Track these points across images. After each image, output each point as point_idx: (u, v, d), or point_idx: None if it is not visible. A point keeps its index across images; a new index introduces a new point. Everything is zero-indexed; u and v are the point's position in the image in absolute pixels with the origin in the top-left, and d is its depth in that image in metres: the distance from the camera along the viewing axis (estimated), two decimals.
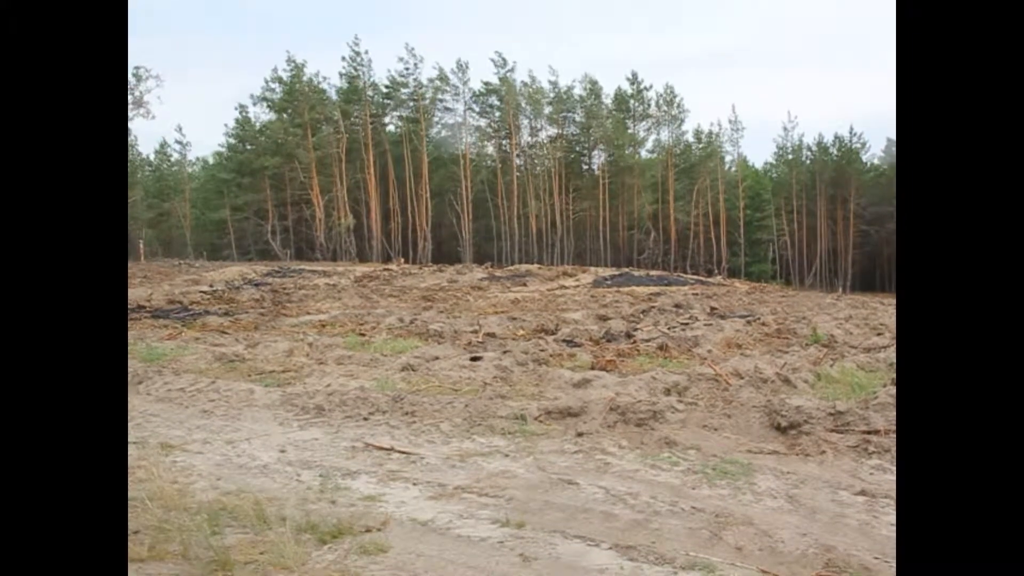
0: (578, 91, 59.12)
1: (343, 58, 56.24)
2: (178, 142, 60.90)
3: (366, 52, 54.74)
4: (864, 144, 61.51)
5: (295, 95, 51.61)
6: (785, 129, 64.92)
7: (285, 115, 52.13)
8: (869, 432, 5.02)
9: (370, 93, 55.02)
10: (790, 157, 62.88)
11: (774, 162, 66.45)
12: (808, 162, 61.98)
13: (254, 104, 53.14)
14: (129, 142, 57.34)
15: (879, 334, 11.50)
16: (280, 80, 52.49)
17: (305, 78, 52.60)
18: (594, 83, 58.46)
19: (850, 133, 61.35)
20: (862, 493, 4.04)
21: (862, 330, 12.37)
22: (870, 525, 3.56)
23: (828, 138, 61.70)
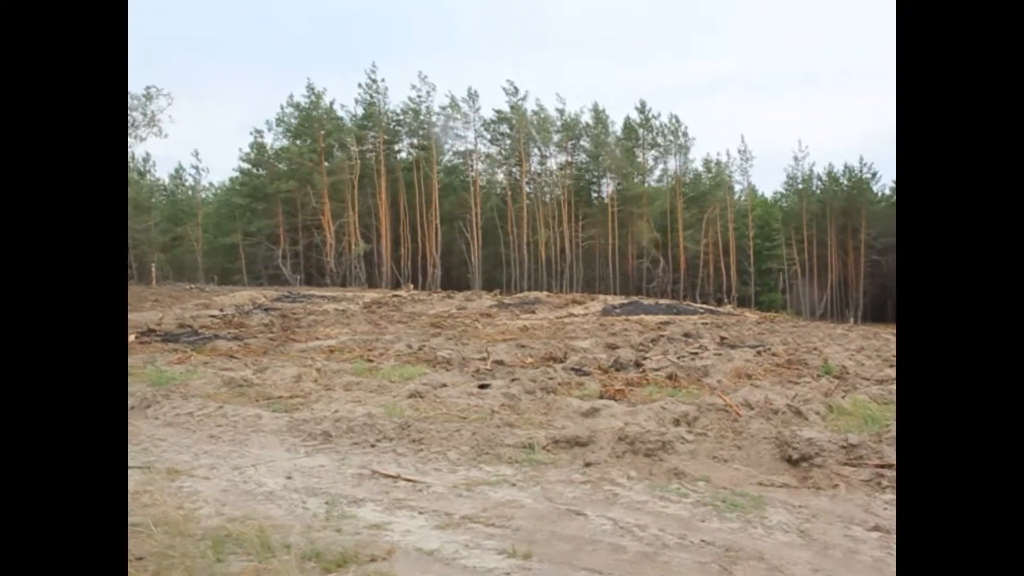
0: (586, 119, 59.67)
1: (360, 85, 57.21)
2: (194, 167, 61.81)
3: (383, 80, 55.59)
4: (875, 174, 61.60)
5: (312, 121, 52.30)
6: (795, 159, 65.19)
7: (299, 141, 52.78)
8: (883, 466, 4.94)
9: (385, 120, 55.69)
10: (800, 187, 62.94)
11: (784, 191, 66.56)
12: (818, 191, 62.01)
13: (269, 129, 53.95)
14: (147, 166, 58.23)
15: (892, 366, 11.38)
16: (297, 106, 53.26)
17: (323, 104, 53.35)
18: (600, 112, 58.96)
19: (860, 163, 61.50)
20: (876, 528, 3.96)
21: (874, 361, 12.26)
22: (884, 562, 3.49)
23: (839, 167, 61.87)
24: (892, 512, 4.32)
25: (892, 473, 4.83)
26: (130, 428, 6.43)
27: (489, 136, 58.54)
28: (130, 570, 3.14)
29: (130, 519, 3.80)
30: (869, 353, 13.86)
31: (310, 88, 53.40)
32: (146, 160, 57.98)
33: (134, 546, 3.44)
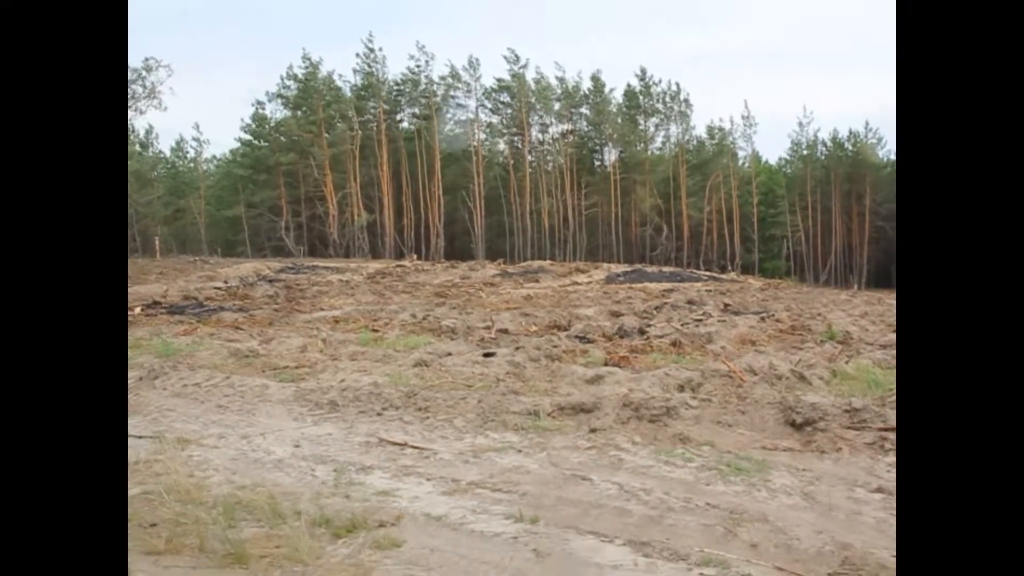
0: (587, 87, 58.99)
1: (357, 55, 56.03)
2: (195, 139, 61.28)
3: (380, 49, 54.87)
4: (880, 140, 60.83)
5: (310, 92, 51.77)
6: (800, 124, 64.47)
7: (300, 112, 52.30)
8: (886, 429, 4.96)
9: (385, 90, 55.09)
10: (804, 153, 62.24)
11: (788, 158, 65.88)
12: (823, 158, 61.38)
13: (269, 101, 53.32)
14: (149, 139, 57.79)
15: (895, 330, 11.39)
16: (296, 77, 52.66)
17: (320, 75, 52.74)
18: (599, 79, 58.18)
19: (865, 128, 60.73)
20: (879, 490, 3.99)
21: (878, 327, 12.26)
22: (887, 523, 3.52)
23: (843, 134, 61.13)
24: (895, 474, 4.35)
25: (895, 436, 4.85)
26: (139, 399, 6.48)
27: (490, 105, 57.98)
28: (144, 536, 3.19)
29: (142, 487, 3.84)
30: (873, 318, 13.86)
31: (306, 59, 52.74)
32: (148, 133, 57.47)
33: (147, 513, 3.48)
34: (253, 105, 53.37)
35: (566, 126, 59.62)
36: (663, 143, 62.81)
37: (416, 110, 57.04)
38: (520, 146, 58.76)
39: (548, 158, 60.23)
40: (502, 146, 60.88)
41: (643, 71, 59.83)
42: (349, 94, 54.34)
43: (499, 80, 56.40)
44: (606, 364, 8.04)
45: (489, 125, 59.29)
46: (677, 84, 59.72)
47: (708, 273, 39.36)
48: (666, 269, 37.93)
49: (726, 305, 16.45)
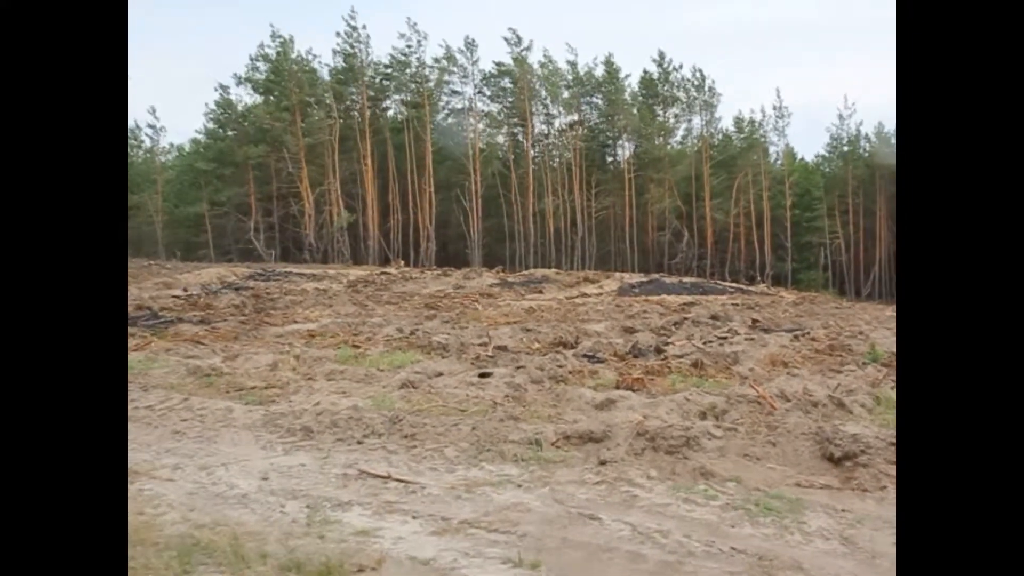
0: (600, 73, 59.12)
1: (337, 34, 56.36)
2: (151, 126, 61.05)
3: (363, 27, 55.13)
4: None
5: (282, 75, 51.86)
6: (840, 117, 64.40)
7: (271, 98, 52.41)
8: None
9: (369, 74, 55.24)
10: (845, 149, 62.39)
11: (827, 154, 65.95)
12: (866, 155, 61.48)
13: (237, 84, 53.37)
14: None
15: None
16: (266, 58, 52.76)
17: (294, 56, 52.88)
18: (611, 63, 58.33)
19: None
20: None
21: None
22: None
23: (889, 127, 61.31)
24: None
25: None
26: None
27: (489, 92, 58.19)
28: None
29: None
30: None
31: (275, 35, 52.73)
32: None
33: None
34: (217, 89, 53.42)
35: (574, 117, 59.80)
36: (684, 136, 63.03)
37: (405, 97, 57.20)
38: (522, 139, 58.96)
39: (554, 153, 60.42)
40: (502, 139, 61.09)
41: (661, 55, 60.14)
42: (328, 78, 54.51)
43: (499, 64, 56.65)
44: (618, 387, 8.04)
45: (488, 115, 59.53)
46: (700, 71, 59.81)
47: (734, 284, 39.42)
48: (687, 279, 37.99)
49: (755, 321, 16.45)
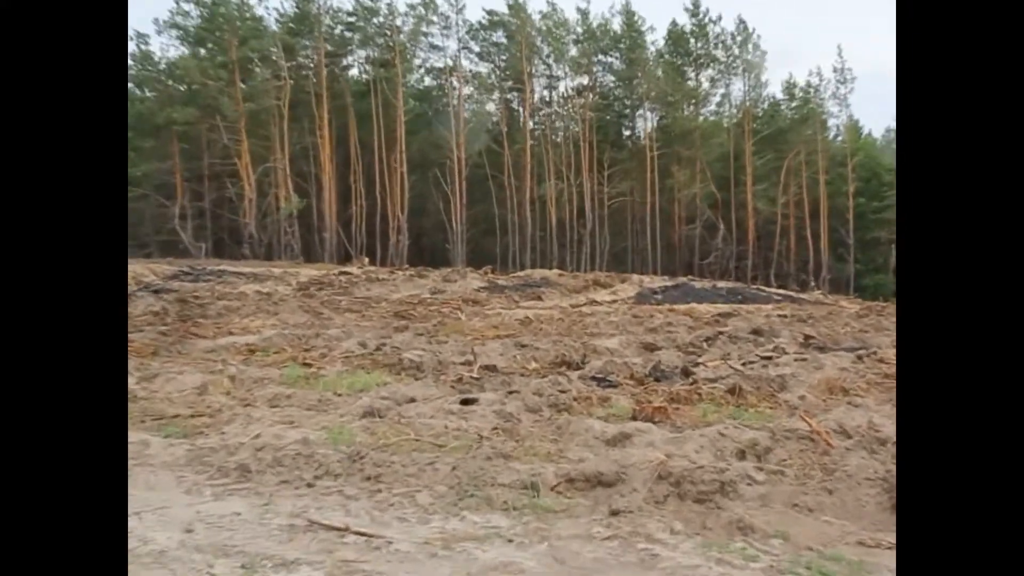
0: (617, 25, 59.28)
1: None
2: None
3: None
4: None
5: (217, 22, 51.75)
6: None
7: (203, 51, 52.37)
8: None
9: (327, 23, 55.26)
10: None
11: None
12: None
13: (158, 33, 53.37)
14: None
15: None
16: (196, 1, 52.68)
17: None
18: (631, 13, 58.42)
19: None
20: None
21: None
22: None
23: None
24: None
25: None
26: None
27: (478, 48, 58.36)
28: None
29: None
30: None
31: None
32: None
33: None
34: (133, 38, 53.29)
35: (584, 80, 59.96)
36: (720, 105, 63.27)
37: (371, 53, 57.37)
38: (518, 107, 59.14)
39: (558, 125, 60.66)
40: (493, 107, 61.33)
41: (695, 3, 60.21)
42: (276, 27, 54.52)
43: (490, 13, 56.82)
44: (635, 418, 8.04)
45: (475, 76, 59.65)
46: (744, 22, 59.99)
47: (782, 291, 39.58)
48: (722, 284, 38.12)
49: (807, 337, 16.49)
